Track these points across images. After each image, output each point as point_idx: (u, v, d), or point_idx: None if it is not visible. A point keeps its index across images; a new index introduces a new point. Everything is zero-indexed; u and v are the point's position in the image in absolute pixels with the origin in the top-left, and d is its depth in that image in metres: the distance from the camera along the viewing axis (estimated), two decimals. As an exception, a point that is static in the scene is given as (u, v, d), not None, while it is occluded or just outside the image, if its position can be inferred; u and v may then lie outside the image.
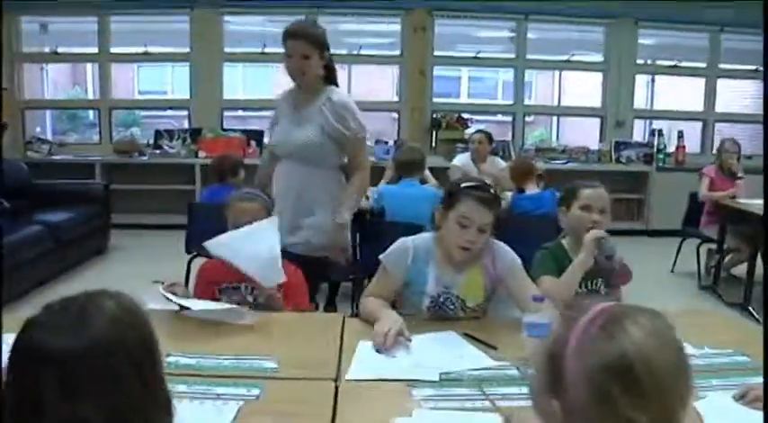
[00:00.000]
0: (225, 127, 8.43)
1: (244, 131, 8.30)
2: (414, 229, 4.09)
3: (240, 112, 10.29)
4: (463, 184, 2.45)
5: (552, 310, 2.10)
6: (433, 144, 8.11)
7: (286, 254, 2.93)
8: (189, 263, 4.97)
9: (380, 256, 2.52)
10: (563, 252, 2.69)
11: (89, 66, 10.12)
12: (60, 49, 8.37)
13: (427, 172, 5.82)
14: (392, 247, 2.51)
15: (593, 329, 1.07)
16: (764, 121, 6.32)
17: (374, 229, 4.56)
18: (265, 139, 7.22)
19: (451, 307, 2.45)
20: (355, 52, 8.43)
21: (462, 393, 1.80)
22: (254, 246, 2.53)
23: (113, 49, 8.25)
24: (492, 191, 2.42)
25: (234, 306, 2.43)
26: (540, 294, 2.09)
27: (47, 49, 8.35)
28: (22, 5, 7.86)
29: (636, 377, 1.02)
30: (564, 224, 2.78)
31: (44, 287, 5.43)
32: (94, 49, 8.20)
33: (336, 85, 3.26)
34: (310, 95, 3.17)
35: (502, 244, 2.49)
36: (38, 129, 8.81)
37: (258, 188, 3.35)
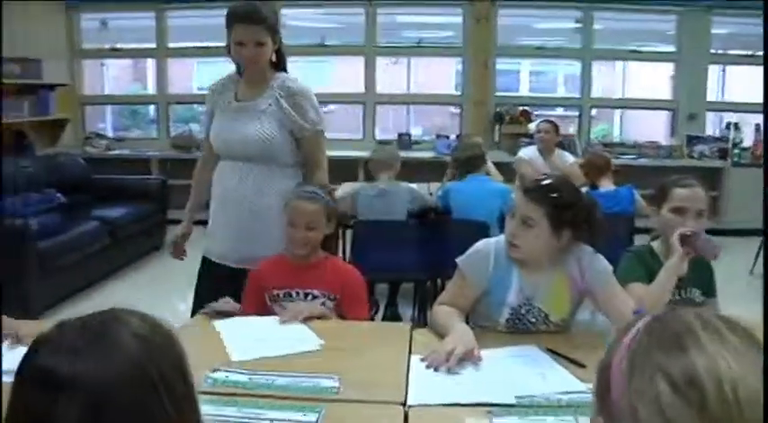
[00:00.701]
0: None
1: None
2: (481, 228, 3.92)
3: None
4: None
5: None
6: (496, 138, 7.82)
7: (236, 272, 2.69)
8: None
9: (458, 260, 2.26)
10: (653, 256, 2.41)
11: (149, 61, 10.14)
12: (120, 45, 8.36)
13: (491, 165, 5.59)
14: (471, 250, 2.26)
15: (649, 337, 0.85)
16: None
17: (439, 229, 4.36)
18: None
19: (533, 320, 2.19)
20: (415, 45, 8.18)
21: (553, 424, 1.56)
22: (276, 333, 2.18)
23: (171, 45, 8.21)
24: (545, 183, 2.15)
25: (296, 325, 2.19)
26: (642, 309, 1.82)
27: (107, 46, 8.35)
28: (84, 2, 7.89)
29: (705, 404, 0.77)
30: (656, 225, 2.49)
31: (99, 284, 5.38)
32: (153, 45, 8.17)
33: (286, 71, 2.84)
34: (258, 84, 2.76)
35: (591, 250, 2.20)
36: (100, 125, 8.83)
37: (193, 193, 3.07)
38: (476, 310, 2.29)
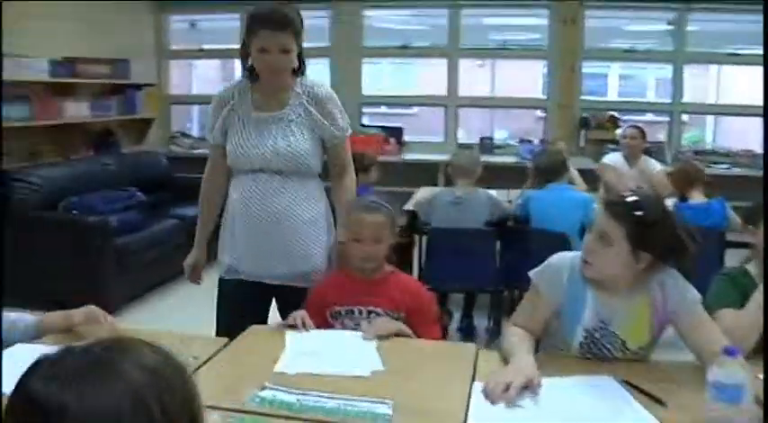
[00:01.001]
0: (364, 123, 8.25)
1: (383, 128, 8.09)
2: (560, 239, 3.75)
3: (383, 109, 10.13)
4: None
5: (745, 366, 1.59)
6: (581, 144, 7.56)
7: (269, 288, 2.58)
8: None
9: (531, 274, 2.11)
10: (749, 280, 2.16)
11: (237, 62, 10.35)
12: (208, 46, 8.47)
13: (575, 173, 5.38)
14: (545, 264, 2.10)
15: None
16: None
17: (517, 238, 4.21)
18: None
19: (608, 346, 2.01)
20: (499, 47, 7.98)
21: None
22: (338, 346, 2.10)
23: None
24: (629, 199, 1.95)
25: (366, 345, 2.07)
26: (732, 346, 1.61)
27: (195, 47, 8.49)
28: (174, 5, 8.05)
29: None
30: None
31: (174, 282, 5.41)
32: (239, 46, 8.23)
33: (305, 75, 2.60)
34: (278, 92, 2.53)
35: (676, 274, 2.00)
36: (187, 124, 8.98)
37: (203, 210, 2.82)
38: (549, 331, 2.12)
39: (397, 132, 7.98)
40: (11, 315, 2.09)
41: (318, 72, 9.00)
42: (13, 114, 5.92)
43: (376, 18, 8.19)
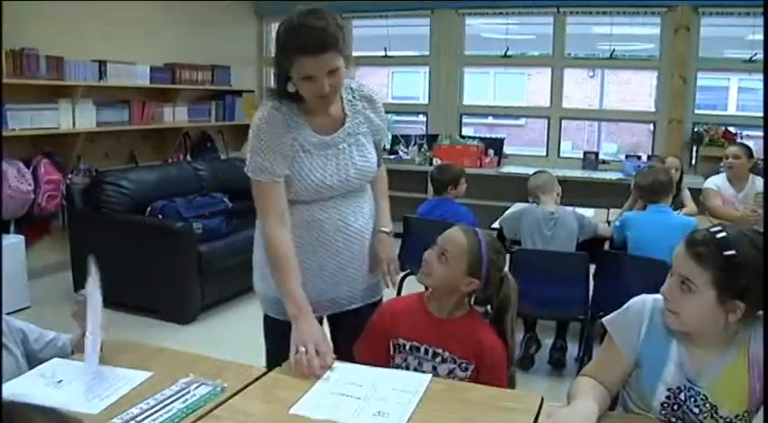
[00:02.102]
0: (464, 134, 8.03)
1: (482, 139, 7.85)
2: (659, 267, 3.39)
3: (490, 119, 9.88)
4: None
5: None
6: (693, 161, 7.07)
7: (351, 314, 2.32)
8: (401, 282, 4.59)
9: (604, 321, 1.82)
10: None
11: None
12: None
13: (686, 193, 5.00)
14: (622, 310, 1.80)
15: None
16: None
17: (611, 262, 3.88)
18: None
19: (695, 410, 1.67)
20: (606, 57, 7.59)
21: None
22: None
23: (355, 53, 8.23)
24: (718, 236, 1.59)
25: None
26: None
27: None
28: (276, 12, 8.10)
29: None
30: None
31: (252, 293, 5.36)
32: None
33: None
34: (327, 106, 2.17)
35: None
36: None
37: (291, 262, 2.09)
38: (628, 386, 1.81)
39: (497, 144, 7.72)
40: (50, 333, 2.13)
41: (418, 80, 8.89)
42: (113, 118, 6.05)
43: (477, 26, 7.98)
